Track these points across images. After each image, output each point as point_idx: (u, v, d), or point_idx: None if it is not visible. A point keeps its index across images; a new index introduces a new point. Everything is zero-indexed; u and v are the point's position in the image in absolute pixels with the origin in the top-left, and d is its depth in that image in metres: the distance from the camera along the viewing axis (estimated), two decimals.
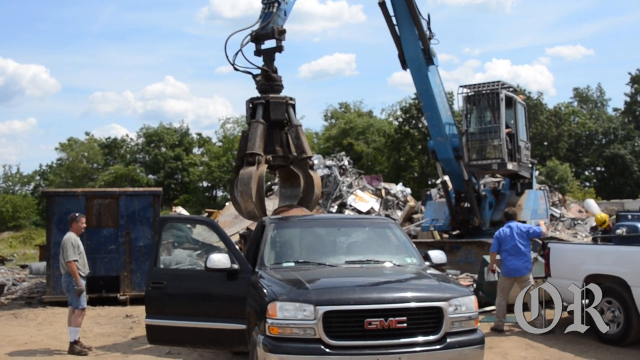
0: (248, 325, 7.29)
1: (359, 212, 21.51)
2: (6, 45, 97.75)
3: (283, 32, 10.33)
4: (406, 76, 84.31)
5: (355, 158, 44.64)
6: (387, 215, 21.16)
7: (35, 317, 13.23)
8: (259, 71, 10.42)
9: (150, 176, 57.68)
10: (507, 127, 16.09)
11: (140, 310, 12.44)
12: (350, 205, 21.84)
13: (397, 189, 24.89)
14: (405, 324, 6.27)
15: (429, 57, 15.29)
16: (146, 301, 8.20)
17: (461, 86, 16.47)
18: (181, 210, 28.18)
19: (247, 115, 10.26)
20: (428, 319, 6.40)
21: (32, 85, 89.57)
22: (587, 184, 52.91)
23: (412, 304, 6.40)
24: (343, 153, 28.34)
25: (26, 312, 13.84)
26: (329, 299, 6.32)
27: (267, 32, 10.33)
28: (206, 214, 25.10)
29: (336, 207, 21.86)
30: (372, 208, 22.19)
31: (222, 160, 55.74)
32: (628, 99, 55.77)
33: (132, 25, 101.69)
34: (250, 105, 10.22)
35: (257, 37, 10.26)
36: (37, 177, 64.69)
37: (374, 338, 6.24)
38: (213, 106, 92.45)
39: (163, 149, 58.87)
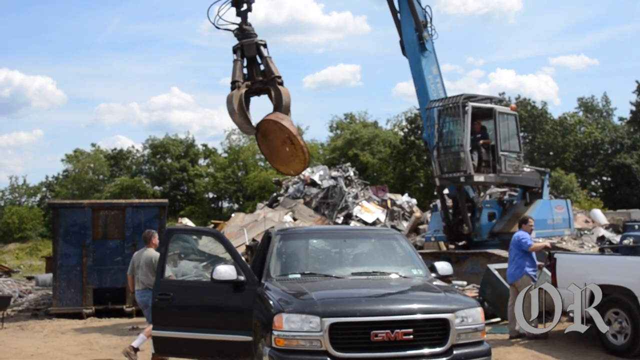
0: (254, 337, 7.28)
1: (365, 223, 21.49)
2: (13, 56, 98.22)
3: None
4: (407, 87, 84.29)
5: (361, 169, 44.58)
6: (393, 226, 21.13)
7: (42, 329, 13.25)
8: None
9: (156, 187, 57.68)
10: (485, 138, 16.25)
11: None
12: (356, 216, 21.82)
13: (403, 199, 24.85)
14: (411, 336, 6.26)
15: (422, 42, 16.53)
16: (153, 313, 8.21)
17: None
18: (187, 222, 28.21)
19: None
20: (434, 331, 6.40)
21: (39, 96, 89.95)
22: (594, 193, 52.72)
23: (419, 316, 6.39)
24: (348, 164, 28.36)
25: (32, 324, 13.87)
26: (335, 311, 6.32)
27: None
28: (212, 225, 25.08)
29: (342, 218, 21.85)
30: (377, 219, 22.16)
31: (228, 172, 55.78)
32: (634, 108, 55.62)
33: (138, 36, 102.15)
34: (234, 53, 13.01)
35: (237, 3, 12.96)
36: (44, 189, 64.86)
37: (380, 350, 6.24)
38: (218, 117, 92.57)
39: (169, 160, 58.94)
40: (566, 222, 17.82)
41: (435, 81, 16.77)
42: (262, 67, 12.84)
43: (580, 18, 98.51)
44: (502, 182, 17.01)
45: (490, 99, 16.86)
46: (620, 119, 58.98)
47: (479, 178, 15.96)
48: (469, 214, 17.06)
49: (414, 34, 16.59)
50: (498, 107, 16.43)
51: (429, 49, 16.66)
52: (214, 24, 12.86)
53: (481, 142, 16.16)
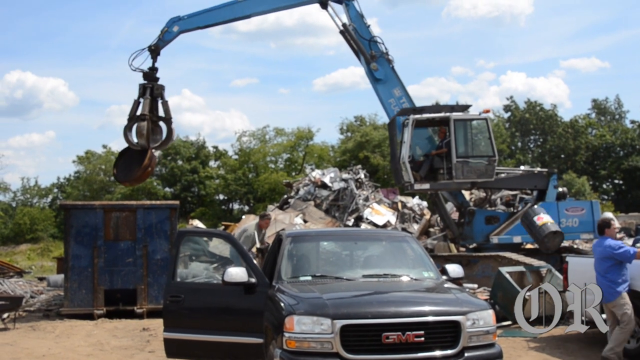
0: (265, 339, 7.29)
1: (376, 225, 21.46)
2: (25, 58, 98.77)
3: (157, 48, 16.51)
4: (418, 89, 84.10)
5: (372, 171, 44.49)
6: (403, 229, 21.10)
7: (53, 330, 13.30)
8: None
9: (167, 189, 57.78)
10: (439, 147, 16.76)
11: (157, 323, 12.49)
12: (367, 219, 21.79)
13: (414, 202, 24.79)
14: (422, 338, 6.26)
15: (372, 75, 18.01)
16: (164, 315, 8.22)
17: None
18: (198, 223, 28.25)
19: (139, 93, 16.25)
20: (446, 333, 6.39)
21: (51, 98, 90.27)
22: (605, 196, 52.45)
23: (430, 318, 6.38)
24: (359, 166, 28.28)
25: (44, 325, 13.92)
26: (346, 313, 6.32)
27: (152, 49, 16.42)
28: (223, 227, 25.12)
29: (352, 220, 21.83)
30: (388, 221, 22.12)
31: (239, 173, 55.85)
32: None
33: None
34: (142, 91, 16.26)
35: (153, 51, 16.29)
36: (55, 190, 65.10)
37: (392, 352, 6.23)
38: (229, 119, 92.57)
39: (179, 162, 59.03)
40: (587, 225, 17.13)
41: (400, 102, 17.83)
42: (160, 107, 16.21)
43: (591, 21, 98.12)
44: (463, 188, 17.32)
45: (451, 108, 17.17)
46: (632, 122, 58.70)
47: (421, 186, 16.70)
48: (462, 219, 17.29)
49: (366, 65, 17.93)
50: (454, 115, 16.58)
51: (381, 78, 17.87)
52: (130, 65, 16.10)
53: (433, 152, 16.88)
